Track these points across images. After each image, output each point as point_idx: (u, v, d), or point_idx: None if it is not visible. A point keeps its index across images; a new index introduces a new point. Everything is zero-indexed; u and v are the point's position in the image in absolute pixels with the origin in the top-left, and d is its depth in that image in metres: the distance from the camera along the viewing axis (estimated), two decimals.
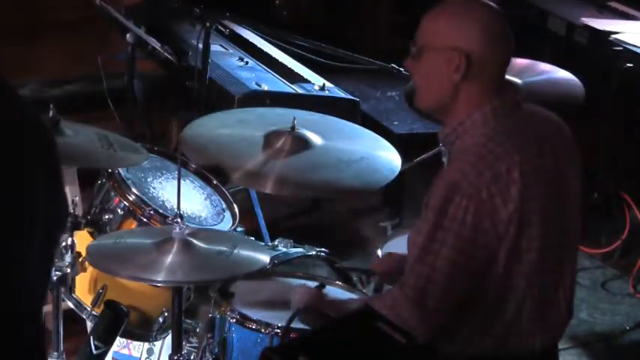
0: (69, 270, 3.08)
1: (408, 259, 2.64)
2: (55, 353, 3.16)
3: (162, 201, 3.21)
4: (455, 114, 2.63)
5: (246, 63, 4.62)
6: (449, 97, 2.62)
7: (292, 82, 4.45)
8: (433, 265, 2.53)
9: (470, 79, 2.58)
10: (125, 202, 3.15)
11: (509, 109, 2.62)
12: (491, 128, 2.58)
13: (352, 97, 4.42)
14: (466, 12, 2.61)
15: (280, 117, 3.32)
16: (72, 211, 3.14)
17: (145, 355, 3.45)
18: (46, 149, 1.81)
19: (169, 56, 4.49)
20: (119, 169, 3.21)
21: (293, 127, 3.18)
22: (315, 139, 3.21)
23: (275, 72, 4.54)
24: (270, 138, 3.19)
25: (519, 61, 3.95)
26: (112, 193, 3.18)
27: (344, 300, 2.94)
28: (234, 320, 2.93)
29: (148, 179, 3.30)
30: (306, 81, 4.50)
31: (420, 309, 2.56)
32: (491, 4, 2.65)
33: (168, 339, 3.12)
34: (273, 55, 4.77)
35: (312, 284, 3.04)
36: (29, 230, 1.74)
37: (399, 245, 3.18)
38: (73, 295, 3.17)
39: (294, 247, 3.34)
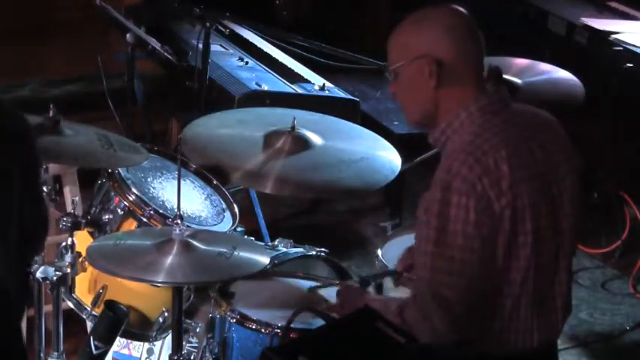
0: (69, 270, 3.08)
1: (416, 267, 2.63)
2: (55, 353, 3.15)
3: (162, 201, 3.21)
4: (442, 118, 2.63)
5: (246, 63, 4.62)
6: (432, 105, 2.62)
7: (292, 82, 4.45)
8: (450, 271, 2.52)
9: (446, 83, 2.59)
10: (125, 202, 3.15)
11: (496, 107, 2.62)
12: (478, 125, 2.58)
13: (352, 97, 4.42)
14: (425, 19, 2.63)
15: (280, 117, 3.32)
16: (72, 211, 3.14)
17: (145, 355, 3.45)
18: (22, 151, 1.79)
19: (169, 56, 4.50)
20: (119, 169, 3.21)
21: (293, 127, 3.18)
22: (315, 139, 3.21)
23: (275, 72, 4.54)
24: (270, 138, 3.19)
25: (519, 61, 3.96)
26: (112, 193, 3.18)
27: (386, 299, 2.86)
28: (234, 320, 2.93)
29: (148, 179, 3.30)
30: (306, 81, 4.50)
31: (449, 315, 2.53)
32: (453, 5, 2.64)
33: (168, 339, 3.12)
34: (273, 55, 4.77)
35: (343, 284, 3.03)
36: (3, 228, 1.72)
37: (399, 245, 3.18)
38: (73, 295, 3.17)
39: (294, 247, 3.34)
